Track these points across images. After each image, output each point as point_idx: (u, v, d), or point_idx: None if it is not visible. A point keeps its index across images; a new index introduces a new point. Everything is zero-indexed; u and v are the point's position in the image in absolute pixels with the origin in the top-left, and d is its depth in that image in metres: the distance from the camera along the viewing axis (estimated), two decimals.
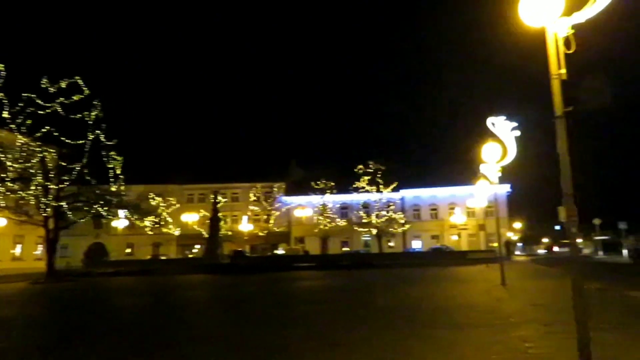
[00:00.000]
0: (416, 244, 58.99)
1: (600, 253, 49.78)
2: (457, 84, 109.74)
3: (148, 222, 33.39)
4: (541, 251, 76.82)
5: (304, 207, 57.39)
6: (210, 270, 29.32)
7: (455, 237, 53.17)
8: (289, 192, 60.68)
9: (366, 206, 55.55)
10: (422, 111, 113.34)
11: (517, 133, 12.95)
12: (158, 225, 54.78)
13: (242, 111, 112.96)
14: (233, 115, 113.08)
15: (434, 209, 60.59)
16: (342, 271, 29.06)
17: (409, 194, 59.81)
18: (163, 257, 52.88)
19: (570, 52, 4.59)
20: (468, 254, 40.47)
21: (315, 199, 56.04)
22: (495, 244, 18.61)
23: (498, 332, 6.88)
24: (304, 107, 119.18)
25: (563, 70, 4.58)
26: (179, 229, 57.95)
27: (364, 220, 54.18)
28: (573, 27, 4.58)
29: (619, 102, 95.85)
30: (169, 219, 57.49)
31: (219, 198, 40.05)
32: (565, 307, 4.51)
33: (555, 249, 79.14)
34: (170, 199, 58.18)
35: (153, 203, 56.14)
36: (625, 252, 36.57)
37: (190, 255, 56.44)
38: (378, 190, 53.29)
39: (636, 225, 47.44)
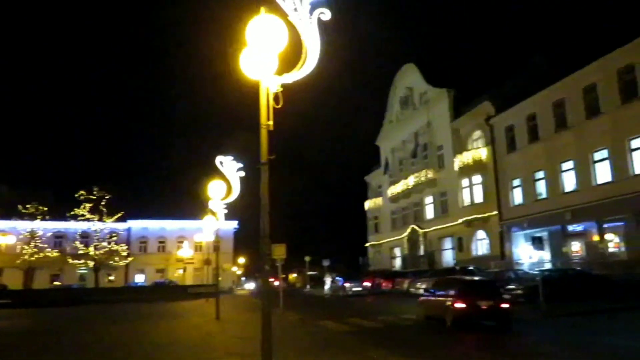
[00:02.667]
0: (139, 278, 56.18)
1: (308, 287, 56.20)
2: (190, 121, 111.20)
3: None
4: (247, 285, 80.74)
5: (5, 233, 48.63)
6: None
7: (181, 271, 52.58)
8: None
9: (86, 236, 50.43)
10: (155, 143, 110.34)
11: (242, 173, 13.79)
12: None
13: None
14: None
15: (162, 242, 59.12)
16: (48, 309, 25.48)
17: (137, 225, 57.06)
18: None
19: (278, 107, 5.17)
20: (189, 289, 40.43)
21: (22, 225, 48.23)
22: (220, 278, 19.20)
23: None
24: (13, 114, 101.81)
25: (270, 122, 5.11)
26: None
27: (80, 252, 48.91)
28: (283, 85, 5.19)
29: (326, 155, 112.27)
30: None
31: None
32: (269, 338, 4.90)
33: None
34: None
35: None
36: (326, 286, 42.06)
37: None
38: (101, 219, 49.10)
39: (346, 260, 56.06)
